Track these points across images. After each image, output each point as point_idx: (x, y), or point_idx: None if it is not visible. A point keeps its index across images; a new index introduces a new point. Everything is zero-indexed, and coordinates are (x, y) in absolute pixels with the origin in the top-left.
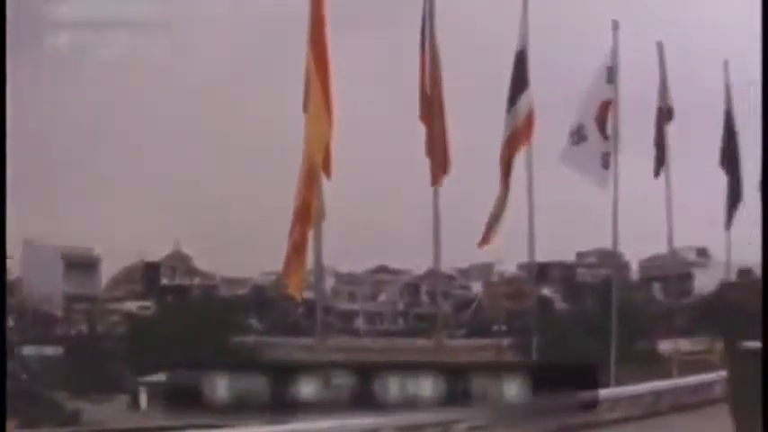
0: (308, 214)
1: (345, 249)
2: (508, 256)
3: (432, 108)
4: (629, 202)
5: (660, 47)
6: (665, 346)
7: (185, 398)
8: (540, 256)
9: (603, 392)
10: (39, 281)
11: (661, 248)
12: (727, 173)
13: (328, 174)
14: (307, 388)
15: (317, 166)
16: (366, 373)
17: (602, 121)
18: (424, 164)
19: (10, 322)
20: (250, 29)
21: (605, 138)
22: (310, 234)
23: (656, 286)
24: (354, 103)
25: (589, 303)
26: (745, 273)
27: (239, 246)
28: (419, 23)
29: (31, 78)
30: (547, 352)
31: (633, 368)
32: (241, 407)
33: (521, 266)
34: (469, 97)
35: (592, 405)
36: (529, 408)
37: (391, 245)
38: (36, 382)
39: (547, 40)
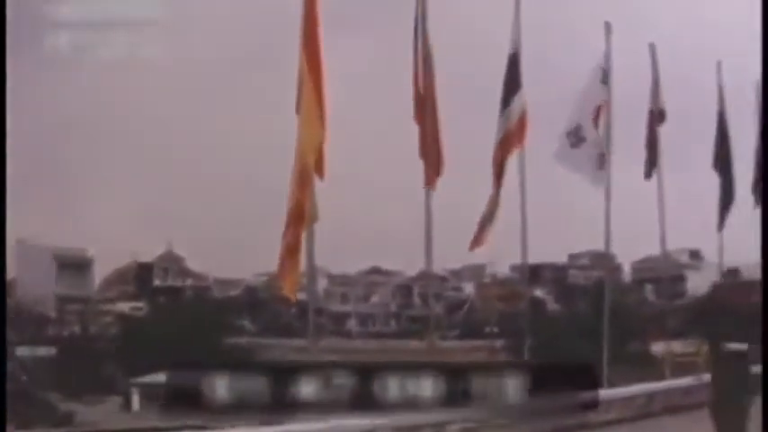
0: (301, 216)
1: (338, 250)
2: (500, 257)
3: (425, 109)
4: (622, 204)
5: (652, 48)
6: (657, 347)
7: (183, 398)
8: (533, 258)
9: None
10: (31, 281)
11: (654, 250)
12: (720, 175)
13: (321, 175)
14: (303, 389)
15: (309, 168)
16: (365, 373)
17: (598, 123)
18: (418, 165)
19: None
20: (245, 29)
21: (601, 139)
22: (303, 235)
23: (649, 288)
24: (347, 104)
25: (581, 305)
26: (732, 272)
27: (232, 247)
28: (412, 24)
29: (21, 78)
30: (539, 353)
31: (625, 370)
32: (237, 407)
33: (513, 268)
34: (463, 98)
35: (592, 405)
36: (526, 408)
37: (384, 246)
38: (30, 382)
39: (541, 42)
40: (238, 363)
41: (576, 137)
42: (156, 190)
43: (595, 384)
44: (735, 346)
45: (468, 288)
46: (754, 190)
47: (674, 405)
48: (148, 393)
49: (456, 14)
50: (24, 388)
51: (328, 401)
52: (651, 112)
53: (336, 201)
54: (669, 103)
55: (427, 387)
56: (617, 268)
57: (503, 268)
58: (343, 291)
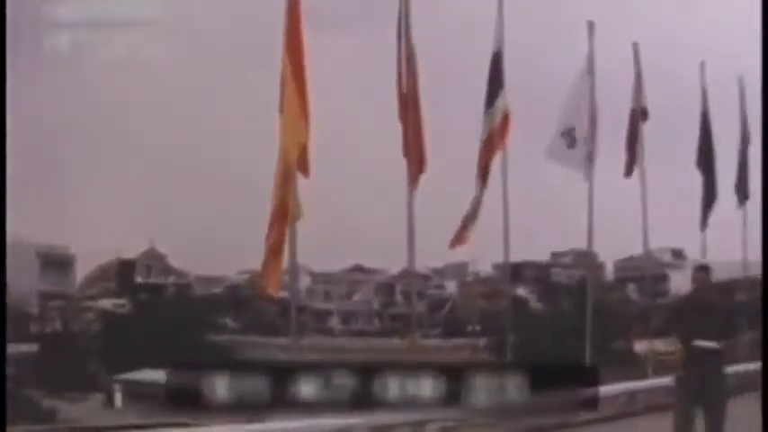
0: (284, 213)
1: (321, 248)
2: (483, 256)
3: (408, 107)
4: (605, 203)
5: (636, 47)
6: (640, 346)
7: (180, 397)
8: (516, 257)
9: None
10: (14, 278)
11: (637, 249)
12: (703, 174)
13: (306, 173)
14: (290, 388)
15: (292, 166)
16: (365, 373)
17: (592, 122)
18: (401, 163)
19: None
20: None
21: (592, 138)
22: (287, 233)
23: (632, 287)
24: (331, 103)
25: (564, 303)
26: (702, 269)
27: (215, 244)
28: (395, 22)
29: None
30: (521, 352)
31: (607, 368)
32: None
33: (496, 266)
34: (447, 96)
35: (592, 405)
36: (515, 407)
37: (367, 244)
38: (12, 379)
39: (526, 40)
40: (223, 361)
41: (570, 137)
42: (140, 188)
43: (595, 383)
44: (705, 343)
45: (451, 286)
46: (737, 189)
47: (657, 404)
48: (131, 390)
49: (439, 12)
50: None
51: (320, 401)
52: (633, 111)
53: (319, 198)
54: (653, 101)
55: (411, 386)
56: (600, 267)
57: (485, 267)
58: (325, 289)
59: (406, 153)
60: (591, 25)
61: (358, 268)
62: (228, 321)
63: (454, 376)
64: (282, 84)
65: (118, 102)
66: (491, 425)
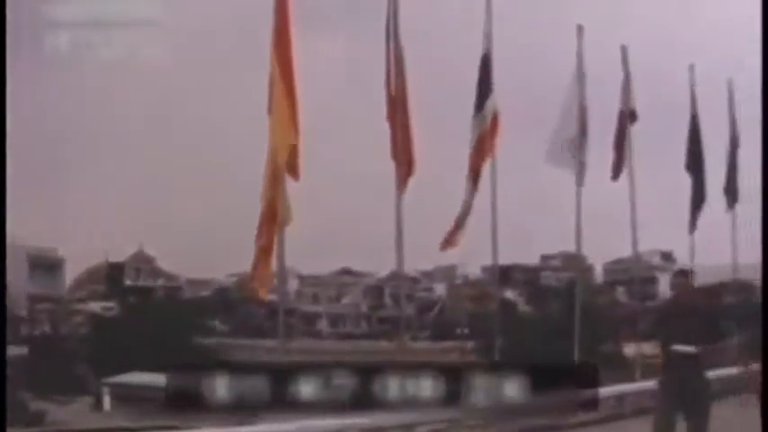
0: (273, 216)
1: (309, 251)
2: (472, 258)
3: (396, 110)
4: (595, 205)
5: (624, 50)
6: (628, 349)
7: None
8: (505, 259)
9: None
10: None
11: (626, 252)
12: (692, 176)
13: (296, 176)
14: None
15: (281, 168)
16: (364, 374)
17: (581, 125)
18: (389, 166)
19: None
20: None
21: (582, 140)
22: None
23: (620, 289)
24: (320, 105)
25: (553, 306)
26: (681, 273)
27: (204, 247)
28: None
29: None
30: (510, 354)
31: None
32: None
33: (485, 269)
34: (436, 99)
35: (592, 405)
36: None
37: (355, 247)
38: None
39: (515, 43)
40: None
41: (561, 139)
42: (130, 189)
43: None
44: (683, 348)
45: (440, 289)
46: (726, 192)
47: (645, 407)
48: (119, 393)
49: (428, 14)
50: None
51: (315, 402)
52: (621, 113)
53: (308, 201)
54: (642, 103)
55: (410, 387)
56: (589, 269)
57: (474, 269)
58: (314, 291)
59: (395, 155)
60: (580, 28)
61: (346, 271)
62: (217, 324)
63: (451, 377)
64: (271, 85)
65: (111, 103)
66: (481, 426)
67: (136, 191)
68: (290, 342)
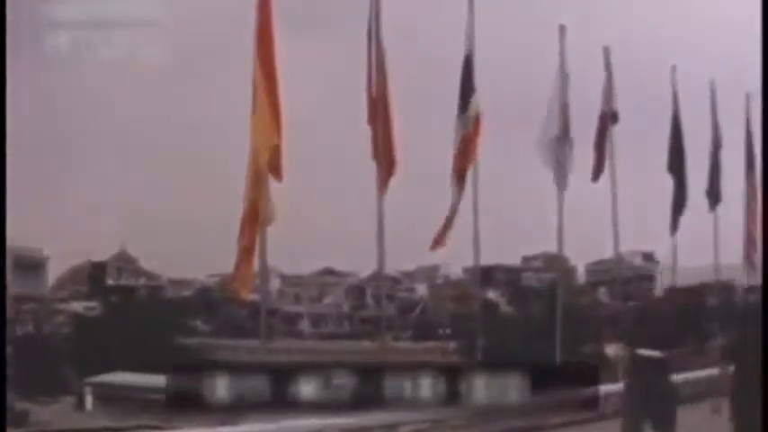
0: (255, 216)
1: (291, 251)
2: (454, 259)
3: (377, 111)
4: (577, 206)
5: (607, 52)
6: (610, 349)
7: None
8: (487, 260)
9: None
10: None
11: (608, 253)
12: (673, 177)
13: (279, 177)
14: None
15: (263, 169)
16: (365, 374)
17: (563, 126)
18: (371, 166)
19: None
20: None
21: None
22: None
23: (602, 290)
24: (302, 106)
25: (535, 307)
26: (645, 278)
27: (185, 247)
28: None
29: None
30: (492, 355)
31: None
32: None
33: (466, 270)
34: (418, 100)
35: (593, 404)
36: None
37: (337, 247)
38: None
39: (498, 44)
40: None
41: (546, 140)
42: (111, 189)
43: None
44: (649, 352)
45: (422, 289)
46: (708, 193)
47: None
48: (101, 393)
49: (410, 16)
50: None
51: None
52: (603, 114)
53: (290, 201)
54: (625, 104)
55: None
56: (571, 270)
57: (456, 270)
58: (295, 291)
59: (376, 156)
60: (562, 29)
61: (328, 271)
62: (199, 324)
63: (439, 377)
64: (254, 86)
65: (109, 103)
66: (464, 426)
67: (119, 190)
68: (272, 342)
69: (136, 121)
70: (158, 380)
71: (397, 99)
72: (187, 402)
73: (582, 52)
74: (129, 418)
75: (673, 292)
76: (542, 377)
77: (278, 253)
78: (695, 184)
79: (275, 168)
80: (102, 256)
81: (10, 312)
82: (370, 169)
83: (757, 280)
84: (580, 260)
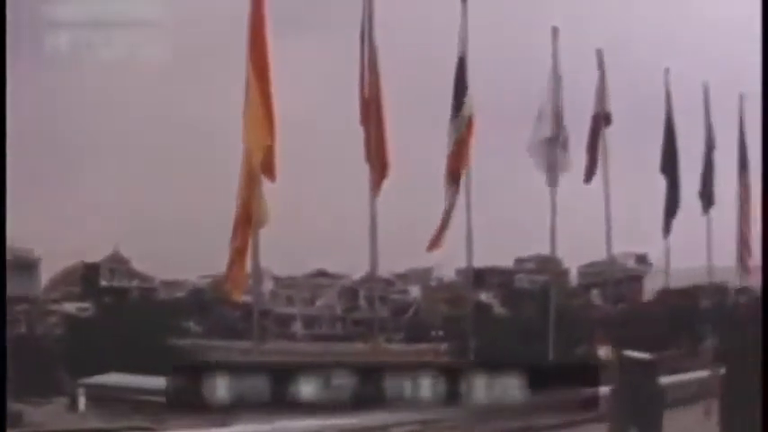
0: (248, 218)
1: (284, 253)
2: (447, 261)
3: (370, 112)
4: (571, 208)
5: (600, 53)
6: (602, 351)
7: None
8: (480, 262)
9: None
10: None
11: (601, 254)
12: (667, 179)
13: (272, 178)
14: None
15: (256, 170)
16: (366, 374)
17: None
18: (364, 168)
19: None
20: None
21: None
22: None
23: (595, 292)
24: (296, 107)
25: (527, 309)
26: (635, 279)
27: (179, 248)
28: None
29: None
30: (485, 356)
31: None
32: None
33: (459, 272)
34: (410, 102)
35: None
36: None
37: (330, 249)
38: None
39: (490, 45)
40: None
41: (539, 141)
42: (104, 191)
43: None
44: (637, 354)
45: (414, 291)
46: (702, 196)
47: None
48: (94, 394)
49: (403, 17)
50: None
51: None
52: (596, 116)
53: (283, 202)
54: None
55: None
56: (564, 272)
57: (449, 272)
58: (288, 293)
59: (369, 158)
60: (555, 30)
61: (321, 273)
62: (192, 325)
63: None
64: (246, 87)
65: (107, 103)
66: (456, 427)
67: (113, 190)
68: (265, 344)
69: (134, 122)
70: (151, 381)
71: (391, 100)
72: (186, 403)
73: (575, 54)
74: (122, 420)
75: (666, 294)
76: (541, 377)
77: (271, 254)
78: (688, 186)
79: (268, 169)
80: (95, 257)
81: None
82: (364, 171)
83: (749, 281)
84: (573, 262)
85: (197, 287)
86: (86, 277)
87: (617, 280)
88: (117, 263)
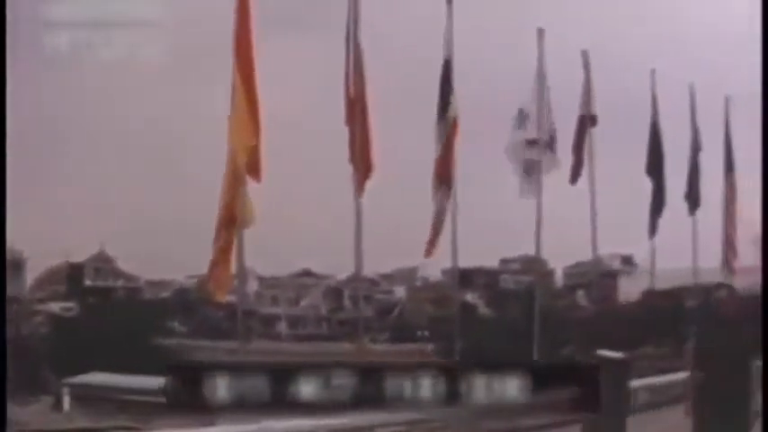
0: (232, 218)
1: (269, 253)
2: (432, 261)
3: (355, 113)
4: (556, 209)
5: (585, 55)
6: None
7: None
8: (465, 263)
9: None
10: None
11: (586, 255)
12: (652, 181)
13: (258, 178)
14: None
15: (240, 170)
16: (367, 374)
17: (541, 129)
18: (349, 168)
19: None
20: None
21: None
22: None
23: (580, 293)
24: (280, 107)
25: (513, 309)
26: (610, 275)
27: (163, 248)
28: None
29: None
30: (470, 357)
31: None
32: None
33: (444, 272)
34: (396, 103)
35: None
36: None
37: (315, 249)
38: None
39: (476, 48)
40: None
41: (523, 142)
42: (89, 189)
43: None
44: (609, 354)
45: (400, 291)
46: (688, 197)
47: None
48: (79, 393)
49: (388, 19)
50: None
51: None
52: (582, 118)
53: (268, 202)
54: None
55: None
56: (549, 273)
57: (434, 272)
58: (273, 293)
59: (353, 159)
60: (540, 32)
61: (306, 273)
62: (176, 325)
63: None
64: (232, 88)
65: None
66: (442, 428)
67: (98, 191)
68: (250, 344)
69: (128, 122)
70: (136, 381)
71: (375, 102)
72: (184, 403)
73: (560, 56)
74: (107, 419)
75: (650, 294)
76: (541, 378)
77: (255, 254)
78: (674, 188)
79: (253, 169)
80: (80, 256)
81: None
82: (349, 171)
83: (732, 281)
84: (558, 263)
85: (182, 287)
86: (71, 277)
87: (601, 281)
88: (102, 262)
